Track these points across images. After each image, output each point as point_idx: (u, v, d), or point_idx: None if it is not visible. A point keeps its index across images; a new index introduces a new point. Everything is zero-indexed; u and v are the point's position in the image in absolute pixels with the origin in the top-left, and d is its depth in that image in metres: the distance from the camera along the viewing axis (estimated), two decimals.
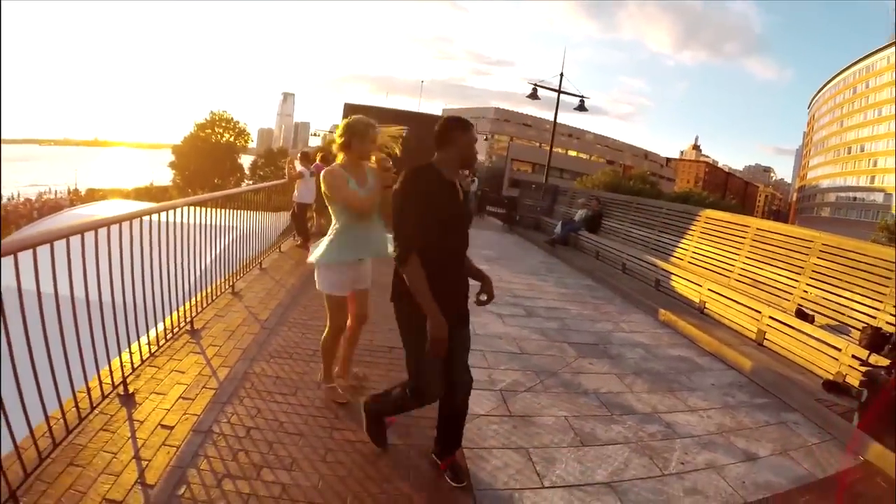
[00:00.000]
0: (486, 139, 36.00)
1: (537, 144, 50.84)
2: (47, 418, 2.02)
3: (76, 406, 2.22)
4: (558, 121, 14.63)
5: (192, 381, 2.78)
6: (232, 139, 39.51)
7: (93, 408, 2.34)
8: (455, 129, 2.19)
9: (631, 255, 7.10)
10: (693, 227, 6.58)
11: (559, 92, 13.78)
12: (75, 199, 31.76)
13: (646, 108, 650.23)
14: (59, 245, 1.99)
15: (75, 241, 2.16)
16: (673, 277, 5.90)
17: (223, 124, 39.48)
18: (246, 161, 41.54)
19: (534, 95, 13.72)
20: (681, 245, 6.67)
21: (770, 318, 4.27)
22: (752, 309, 4.51)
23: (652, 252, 7.07)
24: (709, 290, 5.17)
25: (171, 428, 2.33)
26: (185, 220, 3.34)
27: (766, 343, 4.25)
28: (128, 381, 2.60)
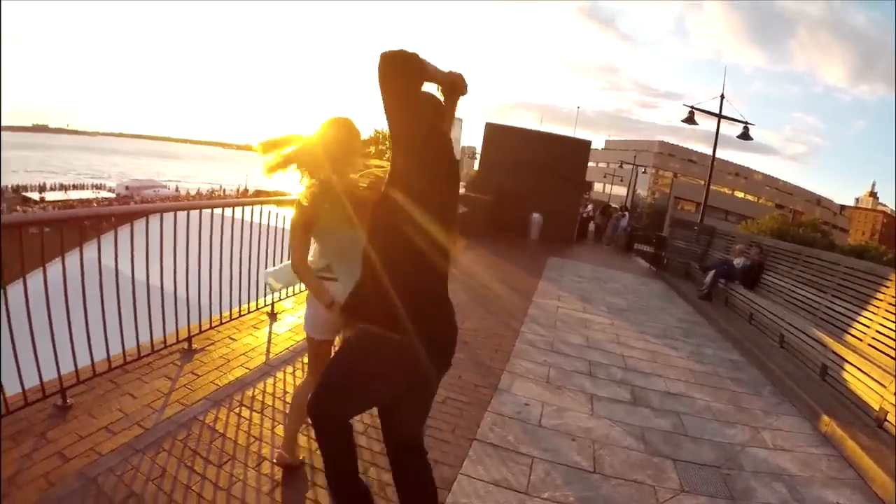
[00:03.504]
0: (643, 172, 33.54)
1: (701, 182, 45.95)
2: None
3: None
4: (725, 158, 12.74)
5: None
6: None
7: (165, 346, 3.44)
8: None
9: (793, 324, 5.53)
10: (880, 296, 4.79)
11: (719, 116, 11.91)
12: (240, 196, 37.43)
13: (819, 147, 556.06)
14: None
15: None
16: (846, 366, 4.30)
17: (386, 141, 42.53)
18: None
19: (690, 120, 12.05)
20: (861, 319, 4.92)
21: None
22: None
23: (820, 324, 5.42)
24: None
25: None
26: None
27: None
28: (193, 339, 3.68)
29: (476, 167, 25.38)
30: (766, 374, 4.82)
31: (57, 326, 2.61)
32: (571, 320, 5.84)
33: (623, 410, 3.57)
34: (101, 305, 2.84)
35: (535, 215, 14.01)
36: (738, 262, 8.10)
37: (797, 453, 3.32)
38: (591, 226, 19.63)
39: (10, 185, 44.81)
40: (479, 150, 15.94)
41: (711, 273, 8.13)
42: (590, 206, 23.42)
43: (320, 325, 2.17)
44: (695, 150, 53.02)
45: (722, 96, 11.87)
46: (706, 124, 14.77)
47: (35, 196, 39.86)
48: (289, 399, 3.08)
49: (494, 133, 15.18)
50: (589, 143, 15.99)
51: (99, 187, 50.77)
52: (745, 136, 11.95)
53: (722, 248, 9.92)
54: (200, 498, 2.17)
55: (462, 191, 15.02)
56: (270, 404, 3.04)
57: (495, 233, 12.60)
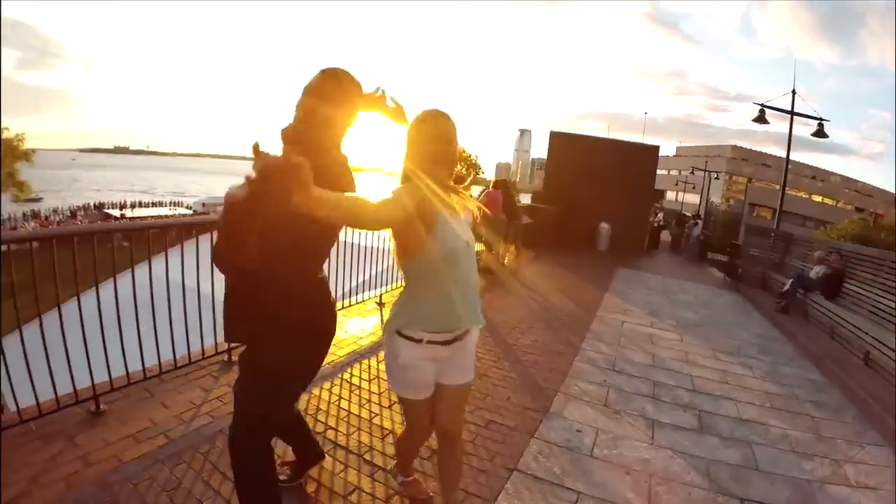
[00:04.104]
0: (716, 178, 31.80)
1: (776, 187, 43.00)
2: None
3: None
4: (800, 160, 11.61)
5: None
6: (463, 171, 42.42)
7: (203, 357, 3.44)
8: None
9: (879, 339, 4.80)
10: None
11: (791, 113, 10.83)
12: None
13: None
14: None
15: None
16: None
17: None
18: (475, 191, 45.43)
19: (761, 119, 11.05)
20: None
21: None
22: None
23: None
24: None
25: None
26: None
27: None
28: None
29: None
30: (851, 396, 4.17)
31: (108, 334, 2.73)
32: (637, 336, 5.37)
33: (687, 439, 3.12)
34: (153, 316, 2.94)
35: (604, 225, 13.40)
36: (817, 270, 7.37)
37: (882, 492, 2.75)
38: (665, 235, 18.69)
39: (93, 203, 48.68)
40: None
41: (789, 283, 7.45)
42: (660, 215, 22.29)
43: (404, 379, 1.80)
44: (769, 153, 49.71)
45: (793, 92, 10.84)
46: (779, 126, 13.57)
47: (116, 213, 42.76)
48: (321, 417, 2.98)
49: (559, 142, 14.73)
50: (657, 147, 15.16)
51: (177, 204, 53.82)
52: (819, 133, 10.83)
53: (800, 256, 9.09)
54: None
55: (528, 202, 14.79)
56: None
57: (562, 244, 12.14)
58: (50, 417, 2.60)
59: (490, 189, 8.44)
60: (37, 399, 2.56)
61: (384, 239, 5.71)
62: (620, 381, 4.02)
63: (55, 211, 42.03)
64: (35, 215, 37.82)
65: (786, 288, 7.45)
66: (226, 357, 3.55)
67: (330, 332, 1.87)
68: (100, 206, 47.69)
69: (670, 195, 48.50)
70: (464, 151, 44.35)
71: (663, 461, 2.82)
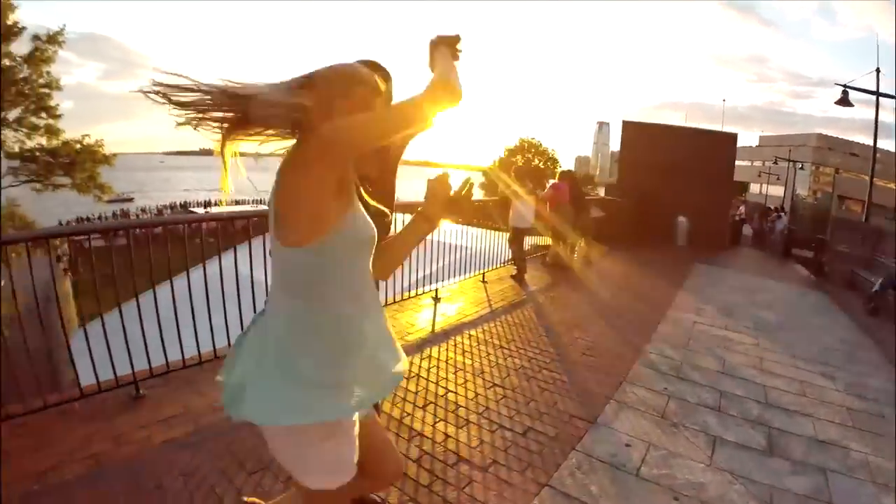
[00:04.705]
0: (800, 168, 29.15)
1: (865, 178, 38.33)
2: None
3: None
4: (891, 150, 10.38)
5: None
6: (541, 165, 41.65)
7: None
8: None
9: None
10: None
11: (877, 94, 9.56)
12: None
13: None
14: None
15: None
16: None
17: (532, 150, 42.34)
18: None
19: (844, 101, 9.87)
20: None
21: None
22: None
23: None
24: None
25: None
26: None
27: None
28: None
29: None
30: None
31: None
32: (708, 339, 4.91)
33: (752, 461, 2.73)
34: (207, 304, 3.04)
35: (681, 219, 12.56)
36: None
37: None
38: (746, 229, 17.37)
39: (179, 203, 52.03)
40: None
41: (879, 283, 6.77)
42: (742, 208, 20.75)
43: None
44: (856, 141, 44.54)
45: (878, 70, 9.61)
46: (865, 112, 12.03)
47: (200, 211, 45.58)
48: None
49: (633, 132, 13.96)
50: (734, 135, 13.99)
51: (259, 202, 56.75)
52: None
53: (892, 254, 8.12)
54: (220, 502, 2.06)
55: (602, 195, 14.15)
56: None
57: (637, 239, 11.45)
58: (94, 398, 2.74)
59: (556, 181, 8.06)
60: (79, 382, 2.72)
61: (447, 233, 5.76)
62: (683, 389, 3.65)
63: (143, 210, 45.29)
64: (124, 214, 40.83)
65: (876, 288, 6.80)
66: None
67: None
68: (185, 205, 50.81)
69: (754, 187, 44.99)
70: (541, 145, 43.67)
71: (720, 486, 2.47)
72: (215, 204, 52.08)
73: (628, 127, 14.09)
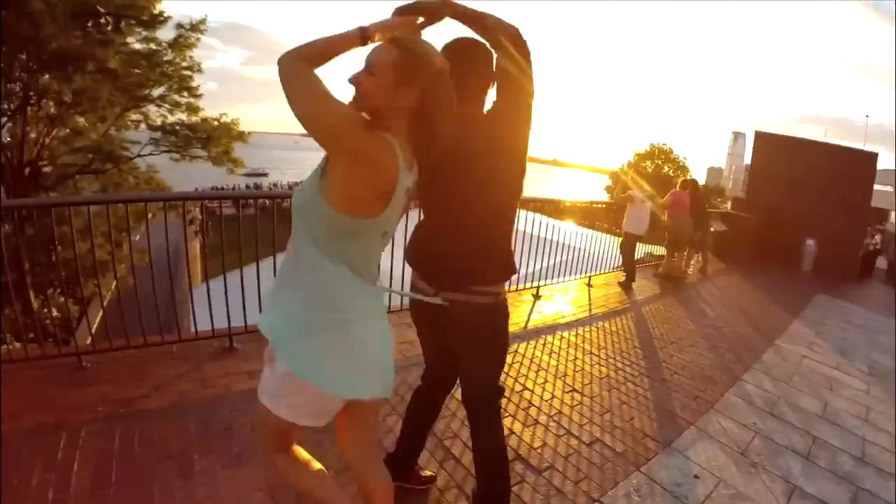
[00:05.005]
0: None
1: None
2: None
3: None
4: None
5: None
6: (670, 172, 39.73)
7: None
8: None
9: None
10: None
11: None
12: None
13: None
14: None
15: None
16: None
17: (662, 156, 40.64)
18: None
19: None
20: None
21: None
22: None
23: None
24: None
25: None
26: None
27: None
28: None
29: None
30: None
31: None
32: (814, 377, 4.39)
33: None
34: None
35: (809, 242, 11.31)
36: None
37: None
38: (881, 261, 15.34)
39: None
40: None
41: None
42: (878, 238, 18.29)
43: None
44: None
45: None
46: None
47: None
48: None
49: (766, 144, 12.75)
50: (875, 155, 12.28)
51: None
52: None
53: None
54: None
55: (728, 209, 13.21)
56: None
57: (760, 258, 10.61)
58: (191, 344, 3.08)
59: (677, 189, 7.61)
60: (179, 330, 3.09)
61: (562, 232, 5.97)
62: (773, 427, 3.29)
63: (275, 185, 49.50)
64: (257, 187, 44.56)
65: None
66: None
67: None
68: None
69: (893, 216, 39.46)
70: (671, 152, 41.68)
71: None
72: None
73: (761, 138, 12.90)
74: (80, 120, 12.23)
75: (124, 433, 2.19)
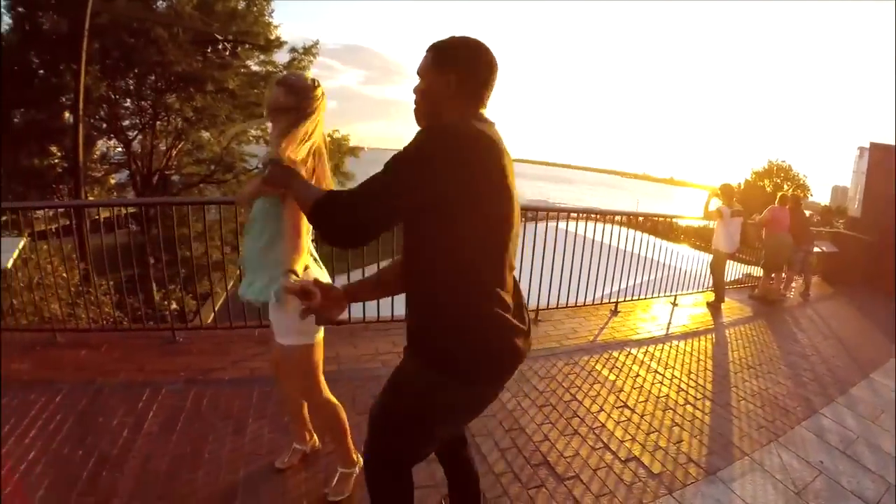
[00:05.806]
0: None
1: None
2: None
3: None
4: None
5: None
6: (790, 192, 37.08)
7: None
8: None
9: None
10: None
11: None
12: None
13: None
14: None
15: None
16: None
17: (781, 174, 38.28)
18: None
19: None
20: None
21: None
22: None
23: None
24: None
25: None
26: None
27: None
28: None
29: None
30: None
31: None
32: None
33: None
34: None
35: None
36: None
37: None
38: None
39: None
40: None
41: None
42: None
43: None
44: None
45: None
46: None
47: None
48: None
49: (882, 156, 11.40)
50: None
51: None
52: None
53: None
54: None
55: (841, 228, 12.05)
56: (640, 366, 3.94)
57: (874, 283, 9.59)
58: (270, 330, 3.50)
59: (775, 205, 7.15)
60: (261, 316, 3.48)
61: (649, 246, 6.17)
62: (843, 469, 3.01)
63: None
64: None
65: None
66: (613, 307, 5.11)
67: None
68: None
69: None
70: (790, 169, 38.89)
71: None
72: None
73: (877, 151, 11.53)
74: (205, 134, 13.96)
75: (197, 395, 2.67)
